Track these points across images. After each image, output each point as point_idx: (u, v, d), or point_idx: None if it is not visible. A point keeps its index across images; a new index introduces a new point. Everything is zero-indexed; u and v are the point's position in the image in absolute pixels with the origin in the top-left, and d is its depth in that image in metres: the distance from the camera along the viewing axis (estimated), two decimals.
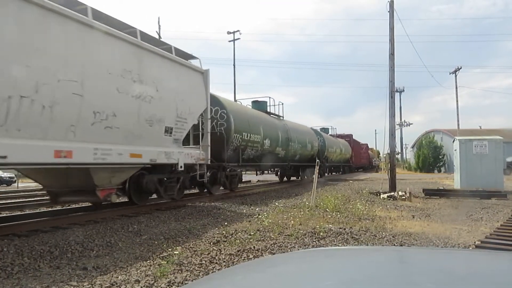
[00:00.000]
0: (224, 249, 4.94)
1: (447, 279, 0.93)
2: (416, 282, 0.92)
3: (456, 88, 37.69)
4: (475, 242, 5.30)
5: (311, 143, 20.60)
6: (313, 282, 0.94)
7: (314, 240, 5.52)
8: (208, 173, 10.38)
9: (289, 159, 17.67)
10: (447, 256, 1.28)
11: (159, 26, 31.98)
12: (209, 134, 10.05)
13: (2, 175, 23.16)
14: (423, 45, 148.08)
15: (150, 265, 4.22)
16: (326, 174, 26.07)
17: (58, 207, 8.85)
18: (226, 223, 6.98)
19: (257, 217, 7.56)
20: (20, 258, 4.50)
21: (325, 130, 29.55)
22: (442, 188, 14.27)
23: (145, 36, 7.80)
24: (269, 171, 21.12)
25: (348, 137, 36.05)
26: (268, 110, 16.85)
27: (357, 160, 38.72)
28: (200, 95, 9.67)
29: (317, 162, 10.56)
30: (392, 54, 13.55)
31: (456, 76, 38.04)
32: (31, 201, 10.44)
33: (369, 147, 53.67)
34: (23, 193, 14.07)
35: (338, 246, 5.05)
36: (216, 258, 4.52)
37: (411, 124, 61.88)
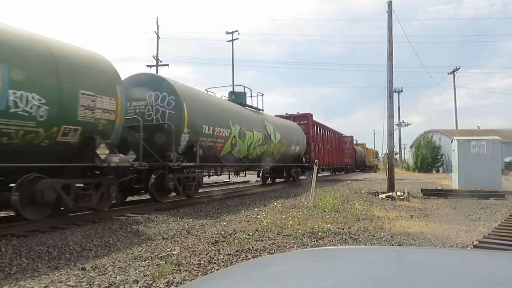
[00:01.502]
0: (223, 249, 4.94)
1: (446, 278, 0.93)
2: (415, 281, 0.92)
3: (454, 88, 37.80)
4: (473, 242, 5.31)
5: (67, 103, 6.17)
6: (311, 282, 0.94)
7: (313, 240, 5.52)
8: None
9: None
10: (445, 256, 1.28)
11: (158, 26, 31.92)
12: None
13: None
14: (421, 45, 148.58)
15: (149, 265, 4.22)
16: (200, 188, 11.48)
17: None
18: (224, 223, 6.97)
19: (255, 217, 7.56)
20: (18, 258, 4.49)
21: (239, 95, 14.52)
22: (440, 188, 14.29)
23: None
24: None
25: (305, 119, 20.00)
26: None
27: (330, 157, 23.81)
28: None
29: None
30: (390, 54, 13.56)
31: (454, 76, 38.13)
32: None
33: (359, 142, 44.99)
34: None
35: (337, 246, 5.05)
36: (215, 258, 4.52)
37: (410, 124, 62.09)
